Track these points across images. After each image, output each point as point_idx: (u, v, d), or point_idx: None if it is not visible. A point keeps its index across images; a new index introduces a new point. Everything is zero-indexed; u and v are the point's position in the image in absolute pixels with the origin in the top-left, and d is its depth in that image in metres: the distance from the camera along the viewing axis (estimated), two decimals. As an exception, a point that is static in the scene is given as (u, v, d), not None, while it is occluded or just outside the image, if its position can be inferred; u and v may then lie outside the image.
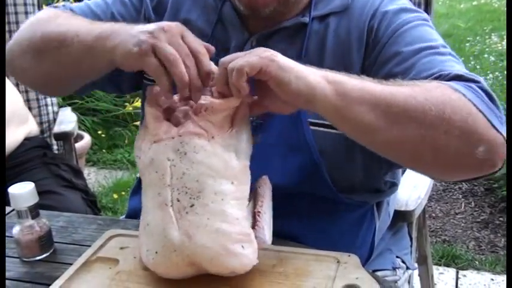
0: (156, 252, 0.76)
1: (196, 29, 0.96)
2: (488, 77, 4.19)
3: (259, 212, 0.79)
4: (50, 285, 0.83)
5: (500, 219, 2.45)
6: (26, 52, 0.95)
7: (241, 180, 0.78)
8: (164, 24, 0.78)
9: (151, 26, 0.79)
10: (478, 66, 4.49)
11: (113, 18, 1.01)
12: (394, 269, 1.08)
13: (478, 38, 5.36)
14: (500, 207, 2.51)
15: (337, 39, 0.92)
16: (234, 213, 0.75)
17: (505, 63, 4.42)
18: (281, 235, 0.85)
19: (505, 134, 0.74)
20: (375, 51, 0.90)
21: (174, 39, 0.76)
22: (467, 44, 5.18)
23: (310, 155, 0.92)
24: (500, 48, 4.90)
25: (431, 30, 0.91)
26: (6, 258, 0.92)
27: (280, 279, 0.78)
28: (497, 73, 4.24)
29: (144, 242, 0.78)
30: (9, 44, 1.00)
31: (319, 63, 0.88)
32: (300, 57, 0.90)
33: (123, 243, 0.89)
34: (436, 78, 0.79)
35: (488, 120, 0.73)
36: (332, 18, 0.94)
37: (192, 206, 0.75)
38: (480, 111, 0.73)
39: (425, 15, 0.95)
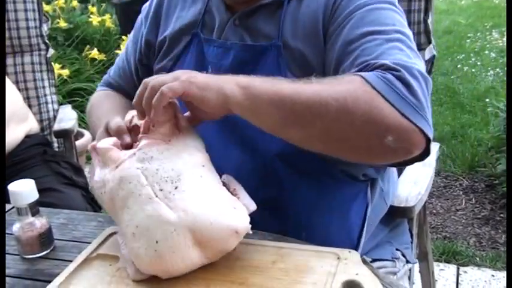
0: (157, 242, 0.76)
1: (188, 22, 1.08)
2: (488, 74, 4.20)
3: (234, 189, 0.85)
4: (50, 282, 0.83)
5: (501, 215, 2.45)
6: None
7: (210, 167, 0.84)
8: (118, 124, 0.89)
9: (111, 121, 0.90)
10: (478, 63, 4.49)
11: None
12: (394, 260, 1.08)
13: (478, 34, 5.35)
14: (501, 204, 2.51)
15: (308, 11, 0.97)
16: (216, 185, 0.82)
17: (505, 59, 4.42)
18: (268, 207, 0.87)
19: (418, 121, 0.77)
20: (330, 29, 0.94)
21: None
22: (468, 41, 5.17)
23: None
24: (501, 44, 4.90)
25: (392, 13, 0.92)
26: (7, 255, 0.92)
27: (280, 275, 0.78)
28: (497, 69, 4.24)
29: (137, 247, 0.77)
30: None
31: (293, 36, 0.96)
32: (278, 33, 0.97)
33: (124, 240, 0.90)
34: (365, 67, 0.83)
35: (397, 110, 0.76)
36: None
37: (176, 188, 0.78)
38: (388, 101, 0.76)
39: None
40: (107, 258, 0.86)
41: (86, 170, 1.67)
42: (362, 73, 0.80)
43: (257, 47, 0.99)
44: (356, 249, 0.98)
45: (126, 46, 1.23)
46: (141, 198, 0.78)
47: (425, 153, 0.81)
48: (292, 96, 0.79)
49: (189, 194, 0.78)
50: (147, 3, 1.18)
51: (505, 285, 2.01)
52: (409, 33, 0.90)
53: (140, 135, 0.85)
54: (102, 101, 1.20)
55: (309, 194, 0.97)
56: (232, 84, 0.80)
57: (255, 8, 1.01)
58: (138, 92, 0.82)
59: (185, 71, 0.83)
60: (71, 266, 0.84)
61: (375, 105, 0.76)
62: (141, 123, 0.87)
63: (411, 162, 0.83)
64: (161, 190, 0.78)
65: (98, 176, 0.85)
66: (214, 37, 1.04)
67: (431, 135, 0.79)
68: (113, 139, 0.86)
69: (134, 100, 0.83)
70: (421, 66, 0.83)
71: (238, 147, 0.98)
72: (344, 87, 0.79)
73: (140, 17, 1.19)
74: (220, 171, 0.86)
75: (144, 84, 0.81)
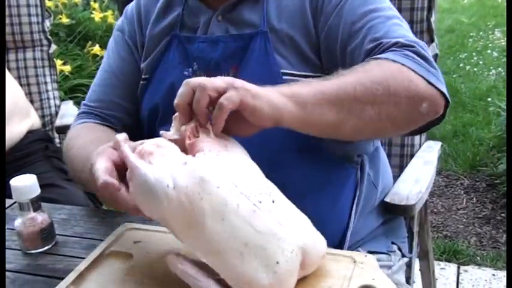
0: (277, 263, 0.67)
1: (165, 25, 1.09)
2: (491, 73, 4.19)
3: None
4: (51, 277, 0.83)
5: (502, 215, 2.45)
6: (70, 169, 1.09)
7: None
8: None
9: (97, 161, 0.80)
10: (480, 62, 4.49)
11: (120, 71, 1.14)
12: (389, 254, 1.09)
13: (481, 33, 5.34)
14: (502, 203, 2.51)
15: None
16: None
17: (508, 58, 4.41)
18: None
19: (440, 87, 0.87)
20: (325, 10, 0.97)
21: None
22: (470, 40, 5.16)
23: None
24: (503, 43, 4.89)
25: None
26: (8, 250, 0.92)
27: None
28: (500, 69, 4.23)
29: (254, 268, 0.67)
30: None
31: (278, 19, 0.99)
32: (263, 20, 0.99)
33: (137, 237, 0.88)
34: (378, 46, 0.89)
35: (426, 80, 0.85)
36: None
37: (273, 202, 0.71)
38: (418, 74, 0.85)
39: None
40: (120, 256, 0.85)
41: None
42: (384, 55, 0.86)
43: (244, 36, 1.01)
44: (346, 231, 1.01)
45: (110, 63, 1.16)
46: (241, 210, 0.68)
47: (444, 115, 0.90)
48: (338, 93, 0.80)
49: (285, 209, 0.72)
50: (120, 19, 1.18)
51: (505, 284, 2.01)
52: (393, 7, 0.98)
53: (193, 140, 0.74)
54: (83, 133, 1.09)
55: (306, 174, 0.98)
56: (277, 94, 0.77)
57: (236, 1, 1.03)
58: (181, 92, 0.75)
59: (235, 79, 0.75)
60: (85, 262, 0.83)
61: (410, 79, 0.84)
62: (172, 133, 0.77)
63: (431, 126, 0.91)
64: (260, 202, 0.69)
65: (154, 164, 0.70)
66: (199, 35, 1.05)
67: (449, 97, 0.89)
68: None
69: (177, 100, 0.75)
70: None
71: (246, 142, 0.97)
72: (379, 71, 0.83)
73: (119, 31, 1.17)
74: None
75: (188, 85, 0.75)
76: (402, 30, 0.93)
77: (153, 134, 1.09)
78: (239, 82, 0.74)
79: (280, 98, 0.76)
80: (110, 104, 1.13)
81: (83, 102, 1.18)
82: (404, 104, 0.83)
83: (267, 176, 0.77)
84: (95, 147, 0.83)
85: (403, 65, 0.84)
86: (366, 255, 0.80)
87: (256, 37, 1.00)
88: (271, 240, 0.68)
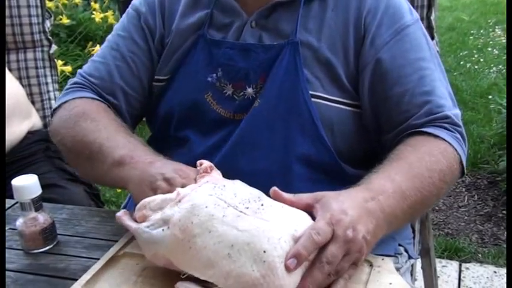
0: (265, 252, 0.69)
1: (194, 21, 1.05)
2: (491, 70, 4.19)
3: None
4: (53, 277, 0.83)
5: (504, 212, 2.45)
6: (65, 150, 1.05)
7: None
8: (181, 170, 0.86)
9: (168, 170, 0.85)
10: (481, 59, 4.48)
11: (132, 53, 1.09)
12: (397, 256, 1.08)
13: (481, 31, 5.34)
14: (503, 200, 2.51)
15: (335, 16, 0.99)
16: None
17: (508, 56, 4.40)
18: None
19: (464, 161, 0.97)
20: (373, 45, 0.97)
21: (188, 183, 0.83)
22: (471, 37, 5.16)
23: (310, 118, 0.96)
24: (504, 41, 4.88)
25: (421, 32, 1.02)
26: (10, 250, 0.92)
27: None
28: (500, 66, 4.23)
29: (238, 266, 0.69)
30: (52, 126, 1.07)
31: (317, 38, 0.98)
32: (295, 30, 0.98)
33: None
34: (430, 113, 0.95)
35: (461, 162, 0.95)
36: None
37: (262, 205, 0.75)
38: (458, 155, 0.94)
39: (414, 12, 1.03)
40: (133, 257, 0.85)
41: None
42: (441, 133, 0.94)
43: (275, 46, 0.99)
44: None
45: (119, 43, 1.10)
46: (226, 218, 0.72)
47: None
48: (416, 197, 0.84)
49: (278, 209, 0.75)
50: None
51: (506, 282, 2.01)
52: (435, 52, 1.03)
53: (201, 174, 0.84)
54: (94, 116, 1.02)
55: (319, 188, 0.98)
56: (379, 227, 0.78)
57: (271, 6, 1.01)
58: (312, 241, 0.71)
59: (355, 236, 0.73)
60: (98, 264, 0.83)
61: (455, 164, 0.93)
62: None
63: None
64: (247, 208, 0.74)
65: (149, 222, 0.78)
66: (230, 39, 1.03)
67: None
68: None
69: (301, 251, 0.70)
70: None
71: (266, 150, 0.98)
72: (439, 163, 0.90)
73: (135, 12, 1.11)
74: (239, 172, 0.87)
75: (316, 229, 0.71)
76: (444, 88, 0.99)
77: (166, 138, 1.07)
78: (363, 230, 0.74)
79: (381, 228, 0.79)
80: (113, 87, 1.07)
81: (79, 71, 1.11)
82: (447, 189, 0.93)
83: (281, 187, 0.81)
84: (106, 137, 0.94)
85: (455, 151, 0.93)
86: (383, 259, 0.80)
87: (286, 47, 0.98)
88: (255, 234, 0.70)
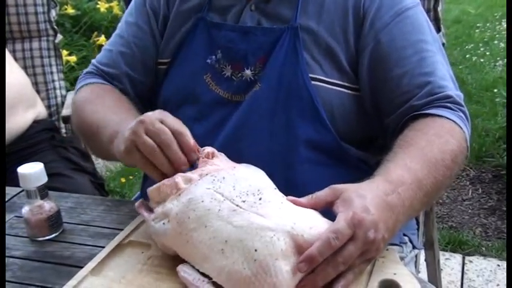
0: (256, 250, 0.68)
1: (196, 6, 1.07)
2: (497, 64, 4.17)
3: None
4: (58, 264, 0.84)
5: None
6: (78, 134, 1.17)
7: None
8: (142, 116, 0.85)
9: (132, 122, 0.86)
10: (487, 53, 4.46)
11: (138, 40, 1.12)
12: (401, 245, 1.09)
13: (488, 24, 5.30)
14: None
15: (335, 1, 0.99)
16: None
17: (515, 49, 4.38)
18: (279, 180, 0.86)
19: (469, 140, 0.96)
20: (373, 28, 0.97)
21: (151, 128, 0.83)
22: (477, 30, 5.13)
23: (310, 101, 0.96)
24: (510, 34, 4.85)
25: (422, 15, 1.02)
26: (16, 237, 0.93)
27: None
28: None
29: (231, 263, 0.69)
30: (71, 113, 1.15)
31: (317, 21, 0.98)
32: (295, 15, 0.99)
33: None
34: (430, 93, 0.95)
35: (467, 140, 0.94)
36: None
37: (260, 199, 0.74)
38: (464, 133, 0.93)
39: None
40: (138, 246, 0.85)
41: (94, 157, 1.67)
42: (447, 113, 0.93)
43: (275, 30, 1.00)
44: None
45: (125, 29, 1.14)
46: (222, 212, 0.73)
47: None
48: (430, 187, 0.83)
49: (277, 204, 0.74)
50: None
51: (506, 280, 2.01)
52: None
53: (204, 159, 0.84)
54: (97, 99, 1.08)
55: (323, 176, 0.98)
56: (396, 220, 0.77)
57: None
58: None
59: (370, 233, 0.70)
60: (103, 252, 0.83)
61: (463, 142, 0.92)
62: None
63: None
64: (244, 202, 0.73)
65: (154, 215, 0.81)
66: (229, 22, 1.04)
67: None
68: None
69: (316, 252, 0.68)
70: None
71: (267, 132, 0.98)
72: (448, 143, 0.89)
73: (138, 2, 1.14)
74: (241, 154, 0.90)
75: (336, 233, 0.69)
76: (446, 71, 0.99)
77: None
78: (377, 239, 0.71)
79: (400, 222, 0.78)
80: (119, 73, 1.12)
81: (93, 61, 1.18)
82: (458, 169, 0.91)
83: (286, 175, 0.83)
84: (113, 114, 0.98)
85: (461, 129, 0.93)
86: (387, 249, 0.79)
87: (286, 32, 0.99)
88: (249, 232, 0.69)
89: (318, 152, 0.98)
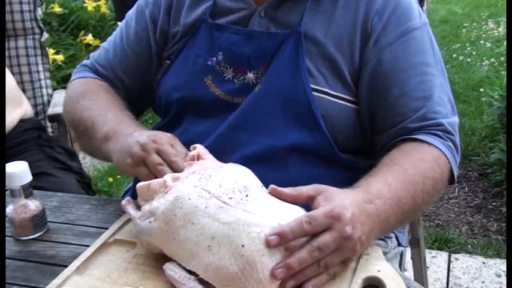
0: (243, 246, 0.69)
1: (199, 14, 1.07)
2: (483, 63, 4.20)
3: None
4: (43, 263, 0.84)
5: (493, 204, 2.47)
6: (68, 125, 1.22)
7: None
8: (153, 136, 0.89)
9: (143, 137, 0.89)
10: (474, 53, 4.49)
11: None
12: (386, 240, 1.09)
13: (474, 24, 5.35)
14: (493, 192, 2.53)
15: (344, 15, 1.00)
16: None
17: (501, 49, 4.42)
18: (272, 181, 0.86)
19: (455, 172, 0.98)
20: (373, 48, 0.98)
21: (162, 148, 0.88)
22: (464, 30, 5.17)
23: (308, 107, 0.97)
24: (496, 34, 4.90)
25: (427, 37, 1.02)
26: None
27: None
28: (492, 59, 4.25)
29: (218, 259, 0.70)
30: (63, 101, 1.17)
31: (325, 34, 0.99)
32: (299, 23, 0.99)
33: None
34: (424, 117, 0.96)
35: (452, 170, 0.96)
36: None
37: (247, 196, 0.75)
38: (450, 163, 0.95)
39: (423, 16, 1.03)
40: (124, 244, 0.85)
41: (81, 156, 1.66)
42: (434, 141, 0.94)
43: (279, 34, 1.00)
44: None
45: (125, 33, 1.16)
46: (209, 209, 0.73)
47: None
48: (407, 204, 0.85)
49: (264, 201, 0.75)
50: None
51: (506, 281, 2.03)
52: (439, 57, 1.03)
53: (189, 162, 0.85)
54: (92, 94, 1.10)
55: (316, 178, 0.98)
56: (375, 227, 0.79)
57: None
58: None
59: (350, 235, 0.73)
60: (88, 251, 0.83)
61: (446, 173, 0.94)
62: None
63: None
64: (231, 198, 0.74)
65: (140, 213, 0.81)
66: (235, 25, 1.03)
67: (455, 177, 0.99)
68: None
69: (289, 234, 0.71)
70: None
71: (263, 133, 0.98)
72: (432, 170, 0.91)
73: (140, 7, 1.16)
74: (235, 155, 0.91)
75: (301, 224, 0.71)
76: (444, 95, 1.00)
77: (167, 120, 1.09)
78: (356, 243, 0.74)
79: (374, 232, 0.79)
80: (110, 74, 1.15)
81: (92, 54, 1.20)
82: (437, 197, 0.95)
83: (279, 176, 0.83)
84: (109, 112, 1.00)
85: (447, 160, 0.94)
86: (371, 246, 0.80)
87: (289, 37, 0.99)
88: (235, 228, 0.70)
89: (312, 156, 0.98)
